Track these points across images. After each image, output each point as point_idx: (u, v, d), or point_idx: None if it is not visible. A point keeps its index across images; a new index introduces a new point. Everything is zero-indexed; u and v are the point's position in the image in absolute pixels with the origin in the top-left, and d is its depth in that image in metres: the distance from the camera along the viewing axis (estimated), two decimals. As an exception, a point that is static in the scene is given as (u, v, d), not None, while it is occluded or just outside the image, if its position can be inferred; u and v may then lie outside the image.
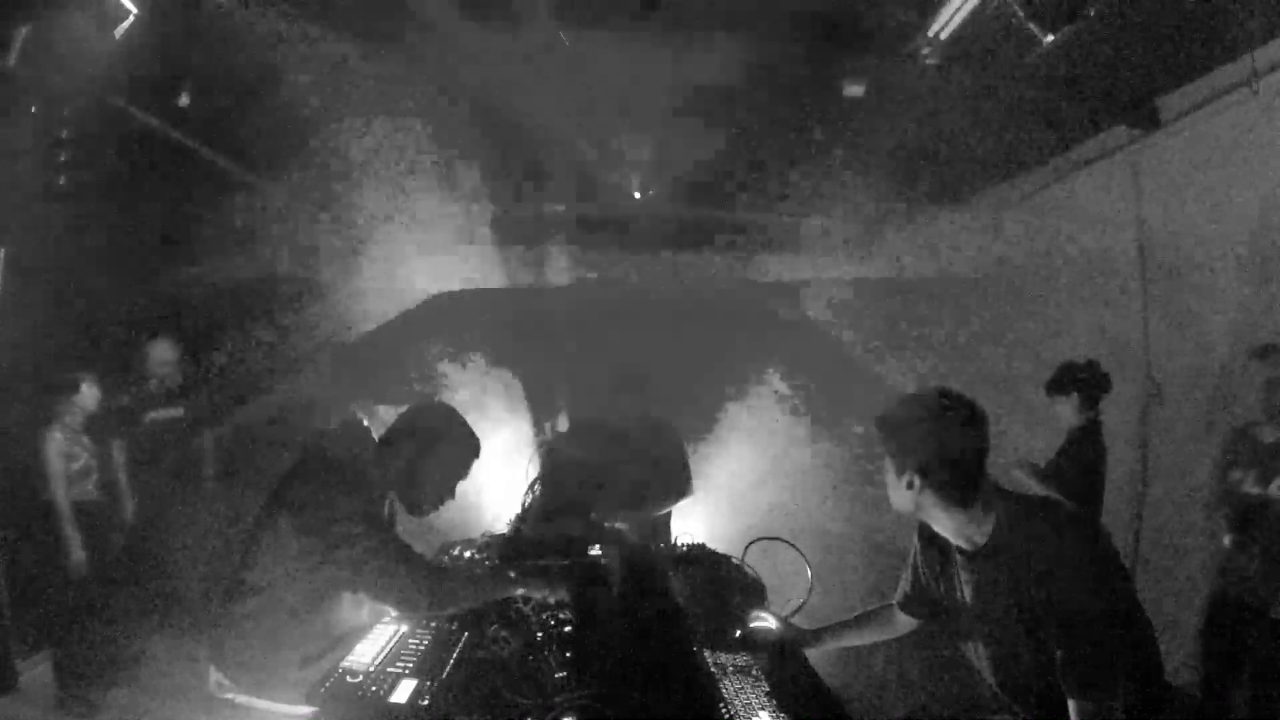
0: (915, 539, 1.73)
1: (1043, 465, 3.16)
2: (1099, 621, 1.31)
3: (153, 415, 3.83)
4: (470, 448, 1.99)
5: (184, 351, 3.99)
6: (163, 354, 3.89)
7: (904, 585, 1.80)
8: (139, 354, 3.87)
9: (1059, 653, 1.34)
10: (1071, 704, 1.32)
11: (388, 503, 1.98)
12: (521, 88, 3.48)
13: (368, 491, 1.83)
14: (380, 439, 1.96)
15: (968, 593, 1.54)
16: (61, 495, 3.26)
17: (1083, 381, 3.09)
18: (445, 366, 5.65)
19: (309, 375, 5.27)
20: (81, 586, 3.31)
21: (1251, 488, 2.70)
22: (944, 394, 1.47)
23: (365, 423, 1.99)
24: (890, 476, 1.51)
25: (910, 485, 1.46)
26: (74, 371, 3.41)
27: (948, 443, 1.42)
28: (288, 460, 1.92)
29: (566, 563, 2.23)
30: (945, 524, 1.50)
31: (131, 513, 3.69)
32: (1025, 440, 3.52)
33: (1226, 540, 2.73)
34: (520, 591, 1.93)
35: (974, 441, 1.43)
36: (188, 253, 4.64)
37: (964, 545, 1.51)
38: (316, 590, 1.76)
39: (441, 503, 1.98)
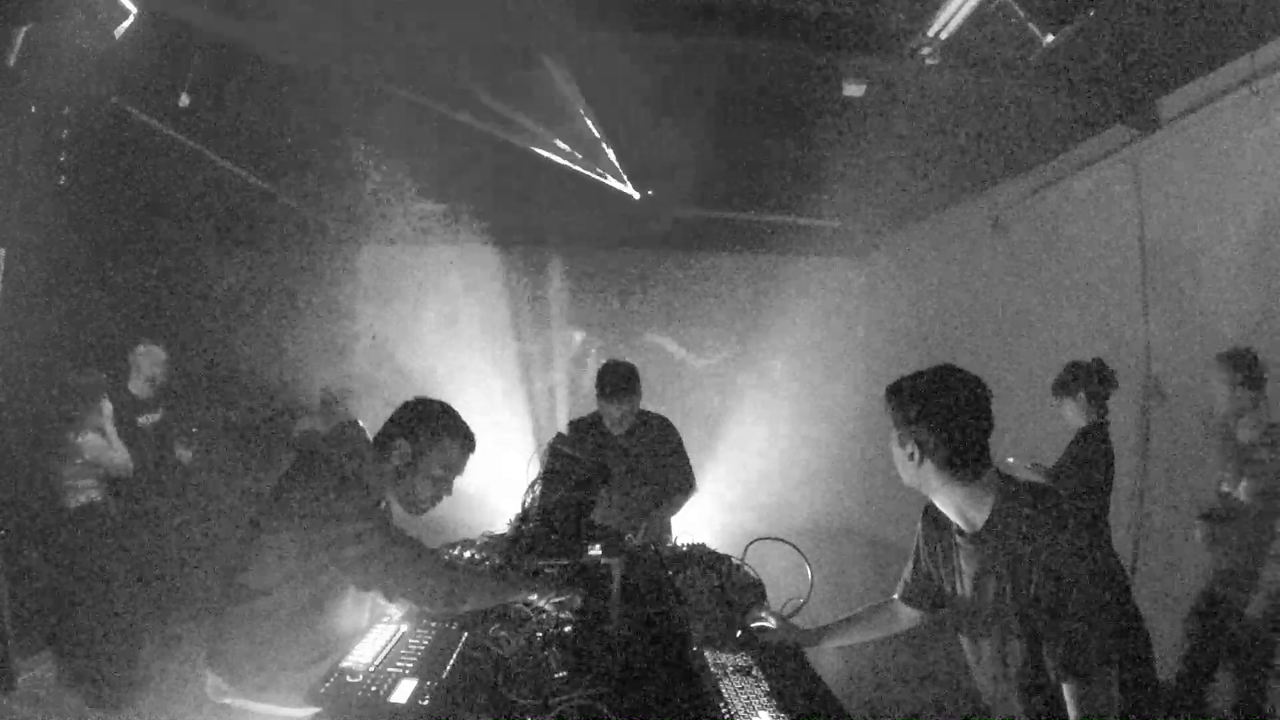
0: (920, 522, 1.73)
1: (1049, 466, 3.17)
2: (1090, 606, 1.32)
3: (141, 419, 3.85)
4: (466, 443, 1.97)
5: (170, 355, 4.02)
6: (155, 357, 3.92)
7: (906, 574, 1.81)
8: (131, 357, 3.90)
9: (1047, 640, 1.34)
10: (1065, 688, 1.33)
11: (384, 502, 1.98)
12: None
13: (366, 491, 1.82)
14: (375, 437, 1.94)
15: (967, 584, 1.54)
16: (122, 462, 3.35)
17: (1089, 381, 3.09)
18: (442, 364, 5.66)
19: (303, 376, 5.28)
20: (84, 587, 3.31)
21: (1228, 486, 2.78)
22: (949, 368, 1.49)
23: (360, 422, 1.98)
24: (895, 447, 1.52)
25: (912, 456, 1.47)
26: (88, 373, 3.41)
27: (950, 415, 1.44)
28: (284, 463, 1.92)
29: (567, 563, 2.23)
30: (946, 500, 1.51)
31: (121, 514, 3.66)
32: (1028, 442, 3.52)
33: (1198, 535, 2.84)
34: (534, 596, 1.93)
35: (976, 416, 1.45)
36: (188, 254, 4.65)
37: (963, 526, 1.52)
38: (316, 593, 1.75)
39: (439, 499, 1.97)
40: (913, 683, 3.55)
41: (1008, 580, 1.42)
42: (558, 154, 4.11)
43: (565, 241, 6.86)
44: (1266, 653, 2.70)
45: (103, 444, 3.32)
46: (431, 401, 2.01)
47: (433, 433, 1.92)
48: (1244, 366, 2.76)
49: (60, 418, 3.25)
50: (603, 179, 4.45)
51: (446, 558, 2.48)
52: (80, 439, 3.25)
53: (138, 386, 3.90)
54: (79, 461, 3.26)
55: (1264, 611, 2.61)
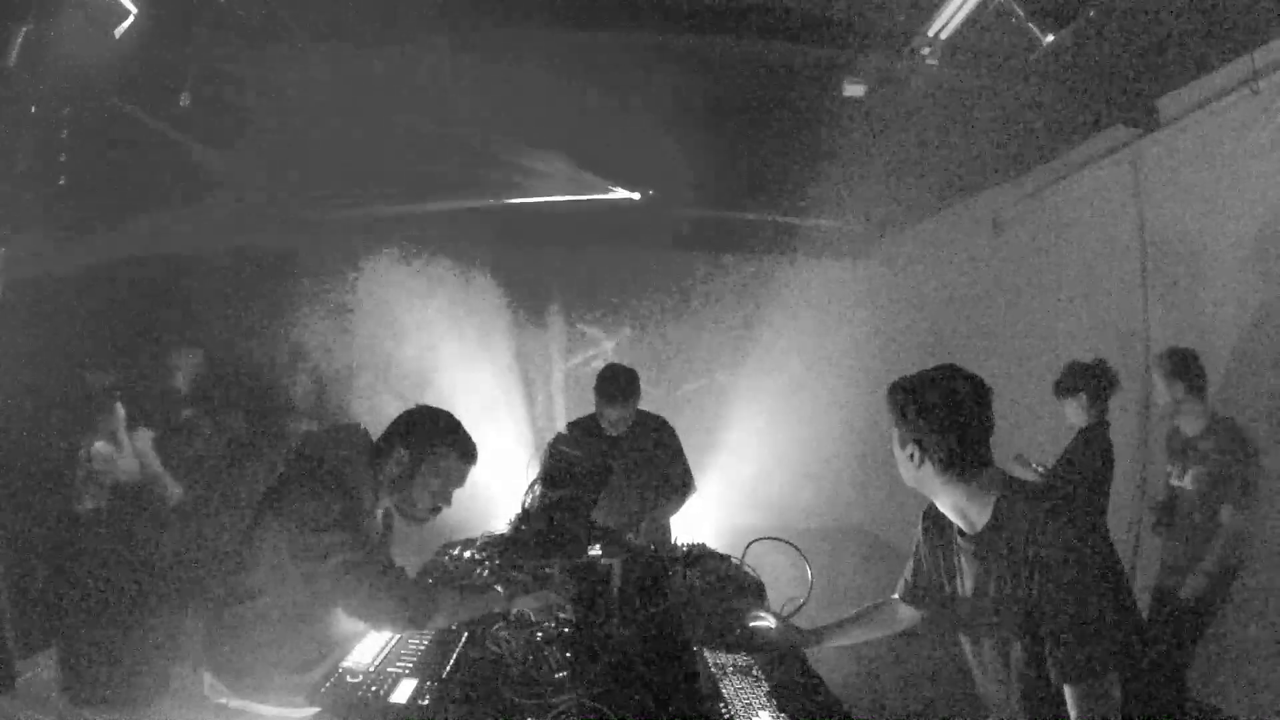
0: (920, 522, 1.73)
1: (1050, 465, 3.17)
2: (1091, 608, 1.32)
3: (182, 415, 3.87)
4: (466, 455, 1.94)
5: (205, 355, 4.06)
6: (194, 359, 3.97)
7: (906, 573, 1.80)
8: (172, 355, 3.93)
9: (1049, 642, 1.34)
10: (1067, 690, 1.32)
11: (383, 509, 1.95)
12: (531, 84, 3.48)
13: (359, 498, 1.78)
14: (375, 443, 1.92)
15: (968, 584, 1.54)
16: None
17: (1091, 381, 3.10)
18: (442, 364, 5.65)
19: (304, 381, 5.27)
20: (85, 588, 3.30)
21: (1175, 480, 2.89)
22: (951, 368, 1.49)
23: (361, 426, 1.95)
24: (896, 447, 1.52)
25: (912, 456, 1.47)
26: (101, 376, 3.41)
27: (951, 414, 1.43)
28: (281, 463, 1.89)
29: (566, 563, 2.23)
30: (946, 500, 1.51)
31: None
32: (1028, 442, 3.52)
33: (1150, 527, 3.00)
34: (514, 609, 1.91)
35: (977, 415, 1.44)
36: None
37: (964, 526, 1.51)
38: (312, 595, 1.72)
39: (437, 510, 1.93)
40: (913, 683, 3.55)
41: (1009, 581, 1.41)
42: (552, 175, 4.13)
43: (565, 241, 6.86)
44: (1194, 634, 2.79)
45: (112, 451, 3.30)
46: (433, 410, 1.98)
47: (432, 442, 1.89)
48: (1181, 365, 2.85)
49: (67, 418, 3.25)
50: (601, 196, 4.45)
51: (446, 558, 2.47)
52: (91, 446, 3.24)
53: (184, 385, 3.94)
54: (88, 468, 3.24)
55: (1198, 594, 2.70)
